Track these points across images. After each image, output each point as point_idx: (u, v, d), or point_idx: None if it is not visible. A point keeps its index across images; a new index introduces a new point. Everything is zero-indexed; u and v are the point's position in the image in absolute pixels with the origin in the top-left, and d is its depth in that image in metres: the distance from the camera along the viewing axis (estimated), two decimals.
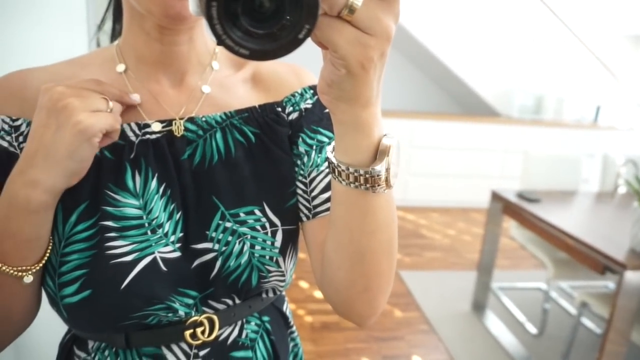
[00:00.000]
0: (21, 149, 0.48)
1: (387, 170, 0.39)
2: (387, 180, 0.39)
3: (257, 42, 0.29)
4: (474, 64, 4.37)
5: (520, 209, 2.19)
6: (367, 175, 0.39)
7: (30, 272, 0.46)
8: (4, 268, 0.45)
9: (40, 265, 0.47)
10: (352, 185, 0.40)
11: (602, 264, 1.67)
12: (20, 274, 0.46)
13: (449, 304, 2.60)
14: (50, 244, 0.48)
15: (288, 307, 0.67)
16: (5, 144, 0.49)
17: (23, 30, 1.39)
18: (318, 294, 2.59)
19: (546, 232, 2.00)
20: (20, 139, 0.49)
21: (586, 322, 2.40)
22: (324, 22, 0.30)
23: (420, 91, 4.88)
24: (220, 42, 0.28)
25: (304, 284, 2.69)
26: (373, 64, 0.32)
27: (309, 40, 0.30)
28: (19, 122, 0.49)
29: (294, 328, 0.67)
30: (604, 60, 4.66)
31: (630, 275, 1.57)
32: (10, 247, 0.45)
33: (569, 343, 2.03)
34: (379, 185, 0.39)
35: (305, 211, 0.55)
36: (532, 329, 2.36)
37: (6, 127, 0.49)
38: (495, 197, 2.41)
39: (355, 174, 0.39)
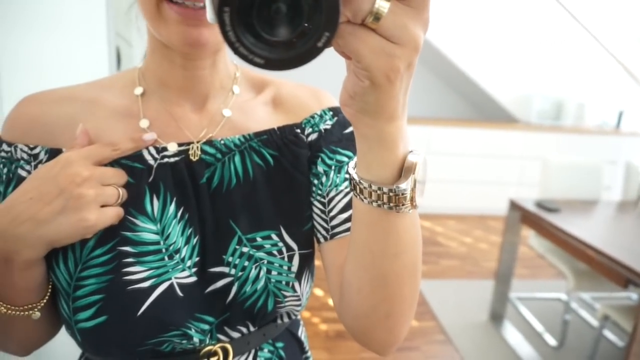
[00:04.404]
0: None
1: (413, 188, 0.36)
2: (412, 199, 0.37)
3: (273, 50, 0.27)
4: (491, 69, 4.32)
5: (539, 219, 2.15)
6: (391, 194, 0.36)
7: (37, 309, 0.48)
8: (9, 312, 0.46)
9: (45, 301, 0.48)
10: (374, 204, 0.38)
11: (624, 277, 1.63)
12: (27, 312, 0.47)
13: (466, 314, 2.56)
14: (51, 281, 0.49)
15: (304, 332, 0.66)
16: (24, 174, 0.49)
17: (43, 41, 1.42)
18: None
19: (566, 243, 1.96)
20: (40, 167, 0.49)
21: (608, 334, 2.34)
22: (346, 30, 0.28)
23: (436, 97, 4.84)
24: (233, 50, 0.26)
25: (318, 292, 2.68)
26: (399, 75, 0.30)
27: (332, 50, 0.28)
28: (37, 150, 0.50)
29: (309, 353, 0.66)
30: (626, 64, 4.56)
31: None
32: (11, 294, 0.46)
33: (590, 356, 1.98)
34: (403, 205, 0.37)
35: (323, 232, 0.54)
36: (552, 341, 2.31)
37: (25, 156, 0.50)
38: (514, 206, 2.36)
39: (379, 192, 0.37)
